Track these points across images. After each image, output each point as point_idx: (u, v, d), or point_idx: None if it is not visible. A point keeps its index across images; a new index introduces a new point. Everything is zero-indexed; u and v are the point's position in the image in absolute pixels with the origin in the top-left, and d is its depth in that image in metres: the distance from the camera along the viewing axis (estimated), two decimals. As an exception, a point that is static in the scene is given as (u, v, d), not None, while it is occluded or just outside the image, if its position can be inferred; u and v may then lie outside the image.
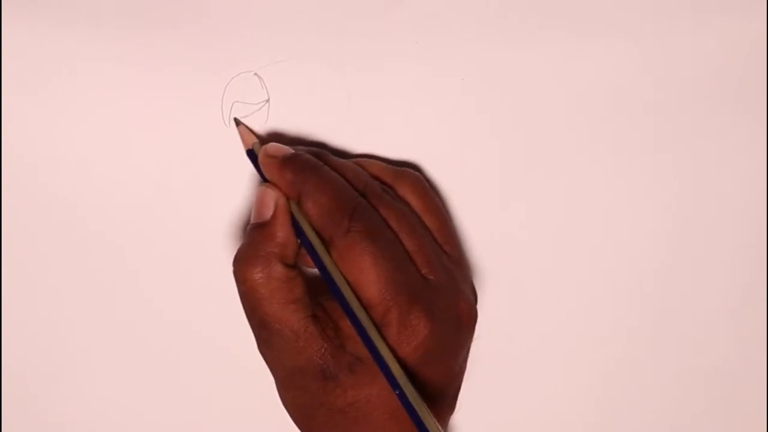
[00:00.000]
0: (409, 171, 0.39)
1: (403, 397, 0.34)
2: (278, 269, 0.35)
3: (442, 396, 0.36)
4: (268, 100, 0.39)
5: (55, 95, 0.39)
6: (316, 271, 0.36)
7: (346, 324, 0.35)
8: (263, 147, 0.37)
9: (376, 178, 0.38)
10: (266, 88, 0.39)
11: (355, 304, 0.35)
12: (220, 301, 0.42)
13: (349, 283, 0.35)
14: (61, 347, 0.42)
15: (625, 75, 0.40)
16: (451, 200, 0.41)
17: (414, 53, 0.39)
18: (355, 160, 0.39)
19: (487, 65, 0.40)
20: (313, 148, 0.38)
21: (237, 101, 0.39)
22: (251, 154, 0.38)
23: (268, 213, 0.36)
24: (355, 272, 0.35)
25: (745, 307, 0.43)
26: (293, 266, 0.36)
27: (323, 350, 0.35)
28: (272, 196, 0.36)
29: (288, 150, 0.37)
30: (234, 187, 0.40)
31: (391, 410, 0.35)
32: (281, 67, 0.39)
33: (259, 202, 0.36)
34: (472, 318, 0.38)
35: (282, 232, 0.35)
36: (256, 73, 0.39)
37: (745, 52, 0.40)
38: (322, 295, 0.36)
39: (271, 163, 0.36)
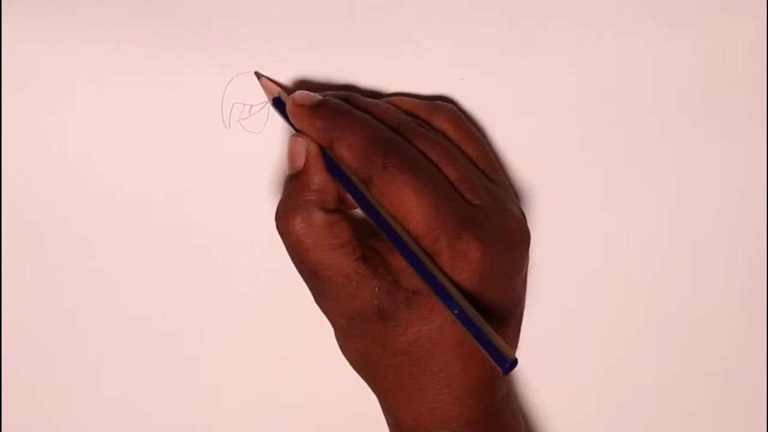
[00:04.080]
0: (444, 104, 0.39)
1: (462, 316, 0.33)
2: (318, 216, 0.35)
3: (506, 318, 0.36)
4: (268, 101, 0.39)
5: (55, 95, 0.39)
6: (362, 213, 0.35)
7: (395, 259, 0.35)
8: (291, 96, 0.36)
9: (410, 115, 0.38)
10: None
11: (402, 233, 0.34)
12: (221, 301, 0.42)
13: (394, 217, 0.35)
14: (62, 347, 0.42)
15: (625, 75, 0.40)
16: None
17: (414, 53, 0.39)
18: (386, 99, 0.39)
19: (487, 65, 0.40)
20: (342, 92, 0.38)
21: (237, 102, 0.39)
22: (278, 103, 0.37)
23: (301, 162, 0.36)
24: (398, 206, 0.34)
25: (745, 308, 0.43)
26: (335, 211, 0.35)
27: (377, 289, 0.35)
28: (302, 144, 0.36)
29: (316, 97, 0.36)
30: (234, 187, 0.40)
31: (455, 342, 0.35)
32: (281, 67, 0.39)
33: (291, 153, 0.36)
34: (524, 235, 0.37)
35: (317, 179, 0.35)
36: (256, 73, 0.39)
37: (745, 52, 0.40)
38: (370, 237, 0.36)
39: (300, 112, 0.36)
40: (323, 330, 0.42)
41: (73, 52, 0.38)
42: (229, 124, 0.40)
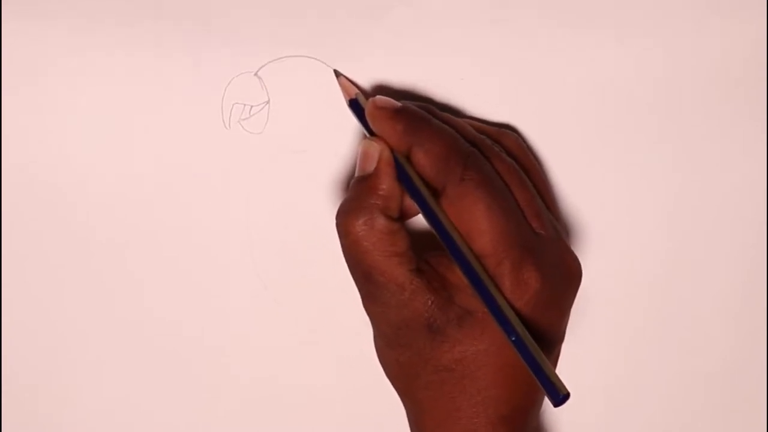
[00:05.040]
0: (509, 131, 0.39)
1: (519, 343, 0.33)
2: (381, 221, 0.35)
3: (550, 352, 0.36)
4: (268, 102, 0.39)
5: (55, 95, 0.39)
6: (418, 226, 0.35)
7: (453, 276, 0.35)
8: (371, 99, 0.36)
9: None
10: (266, 89, 0.39)
11: (467, 251, 0.34)
12: (221, 301, 0.42)
13: (460, 233, 0.34)
14: (62, 347, 0.42)
15: (625, 75, 0.40)
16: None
17: (414, 53, 0.39)
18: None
19: (487, 65, 0.40)
20: (420, 103, 0.38)
21: (237, 102, 0.39)
22: (354, 105, 0.37)
23: (372, 166, 0.35)
24: (467, 221, 0.34)
25: (745, 308, 0.43)
26: (396, 219, 0.35)
27: (430, 302, 0.35)
28: (376, 148, 0.35)
29: (396, 102, 0.36)
30: (234, 187, 0.40)
31: (499, 366, 0.35)
32: (281, 67, 0.39)
33: (363, 156, 0.36)
34: (579, 272, 0.37)
35: (385, 185, 0.35)
36: (256, 74, 0.39)
37: (745, 52, 0.40)
38: (425, 251, 0.36)
39: (381, 114, 0.36)
40: (323, 330, 0.42)
41: (73, 52, 0.38)
42: (229, 124, 0.39)
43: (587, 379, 0.44)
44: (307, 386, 0.43)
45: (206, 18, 0.38)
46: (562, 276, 0.36)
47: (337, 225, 0.35)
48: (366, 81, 0.39)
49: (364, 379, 0.42)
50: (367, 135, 0.37)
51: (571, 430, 0.45)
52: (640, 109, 0.41)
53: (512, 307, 0.34)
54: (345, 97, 0.38)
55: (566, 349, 0.43)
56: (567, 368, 0.44)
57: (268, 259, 0.41)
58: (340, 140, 0.40)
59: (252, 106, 0.39)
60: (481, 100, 0.40)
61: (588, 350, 0.43)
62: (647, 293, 0.43)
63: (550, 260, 0.35)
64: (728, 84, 0.40)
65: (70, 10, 0.38)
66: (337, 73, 0.39)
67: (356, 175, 0.36)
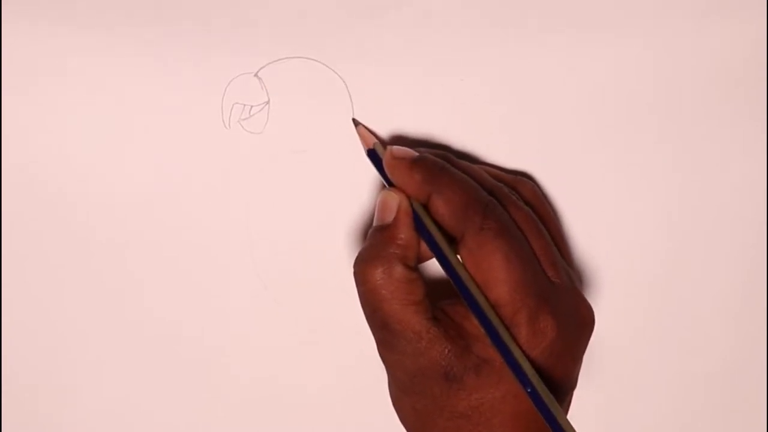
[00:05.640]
0: (525, 179, 0.39)
1: (535, 395, 0.34)
2: (399, 270, 0.35)
3: (562, 399, 0.36)
4: (268, 102, 0.39)
5: (56, 96, 0.39)
6: (434, 274, 0.35)
7: (470, 325, 0.35)
8: (389, 149, 0.37)
9: None
10: (266, 89, 0.39)
11: (484, 303, 0.34)
12: (221, 301, 0.42)
13: (476, 282, 0.35)
14: (62, 347, 0.42)
15: (625, 75, 0.40)
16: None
17: (414, 53, 0.39)
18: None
19: (487, 65, 0.40)
20: (437, 151, 0.38)
21: (237, 102, 0.39)
22: (372, 155, 0.38)
23: (391, 216, 0.36)
24: (485, 270, 0.35)
25: (745, 308, 0.43)
26: (414, 269, 0.36)
27: (447, 351, 0.35)
28: (395, 199, 0.36)
29: (414, 152, 0.37)
30: (234, 187, 0.40)
31: (514, 414, 0.35)
32: (281, 68, 0.39)
33: (382, 206, 0.36)
34: (592, 320, 0.38)
35: (404, 234, 0.35)
36: (256, 75, 0.39)
37: (745, 52, 0.40)
38: (440, 299, 0.37)
39: (400, 164, 0.36)
40: (323, 330, 0.42)
41: (73, 52, 0.39)
42: (229, 124, 0.40)
43: (587, 379, 0.44)
44: (307, 386, 0.43)
45: (206, 18, 0.38)
46: (577, 324, 0.37)
47: (355, 273, 0.36)
48: (366, 82, 0.39)
49: (364, 379, 0.42)
50: (386, 185, 0.37)
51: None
52: (640, 109, 0.41)
53: (528, 356, 0.34)
54: (363, 147, 0.39)
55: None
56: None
57: (268, 259, 0.41)
58: (340, 140, 0.40)
59: (252, 106, 0.39)
60: (481, 100, 0.40)
61: (588, 350, 0.43)
62: (647, 293, 0.43)
63: (564, 309, 0.36)
64: (728, 84, 0.40)
65: (70, 11, 0.38)
66: (356, 122, 0.39)
67: (375, 224, 0.36)
